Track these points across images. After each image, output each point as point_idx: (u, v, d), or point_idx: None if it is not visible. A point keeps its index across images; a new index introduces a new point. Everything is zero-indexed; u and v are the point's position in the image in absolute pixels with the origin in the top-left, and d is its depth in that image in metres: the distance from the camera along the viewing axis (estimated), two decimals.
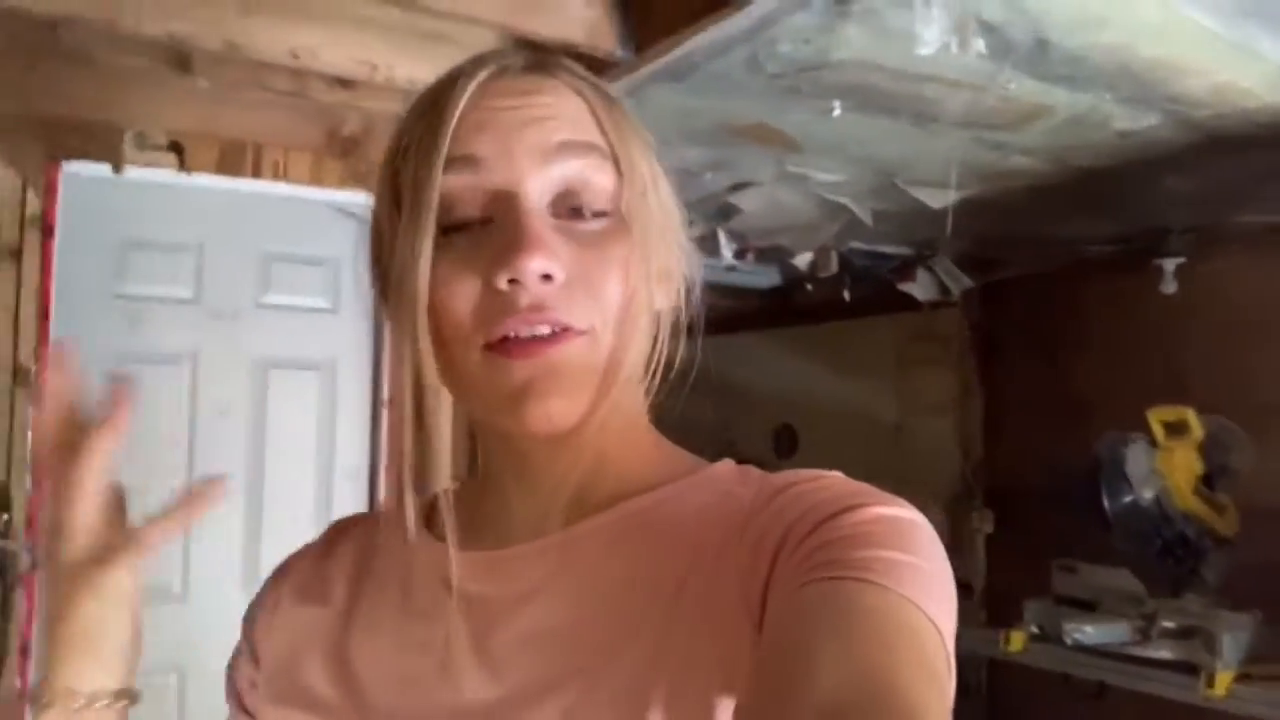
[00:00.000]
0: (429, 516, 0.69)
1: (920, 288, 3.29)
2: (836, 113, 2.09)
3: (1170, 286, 3.08)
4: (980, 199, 2.70)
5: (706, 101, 2.05)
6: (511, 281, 0.57)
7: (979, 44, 1.56)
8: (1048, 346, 3.50)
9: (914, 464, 3.48)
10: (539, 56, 0.64)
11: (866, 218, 2.84)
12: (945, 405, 3.51)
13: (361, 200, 2.61)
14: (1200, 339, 3.06)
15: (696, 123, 2.16)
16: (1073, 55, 1.77)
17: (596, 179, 0.61)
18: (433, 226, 0.59)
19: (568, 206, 0.61)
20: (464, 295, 0.59)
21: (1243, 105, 1.94)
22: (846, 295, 3.46)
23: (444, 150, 0.59)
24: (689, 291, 0.68)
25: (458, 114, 0.60)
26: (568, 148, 0.60)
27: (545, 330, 0.58)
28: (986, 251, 3.34)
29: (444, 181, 0.59)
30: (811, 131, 2.25)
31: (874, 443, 3.61)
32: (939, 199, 2.62)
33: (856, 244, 3.19)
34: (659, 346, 0.64)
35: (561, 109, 0.62)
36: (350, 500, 2.58)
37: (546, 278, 0.58)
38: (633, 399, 0.65)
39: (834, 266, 3.29)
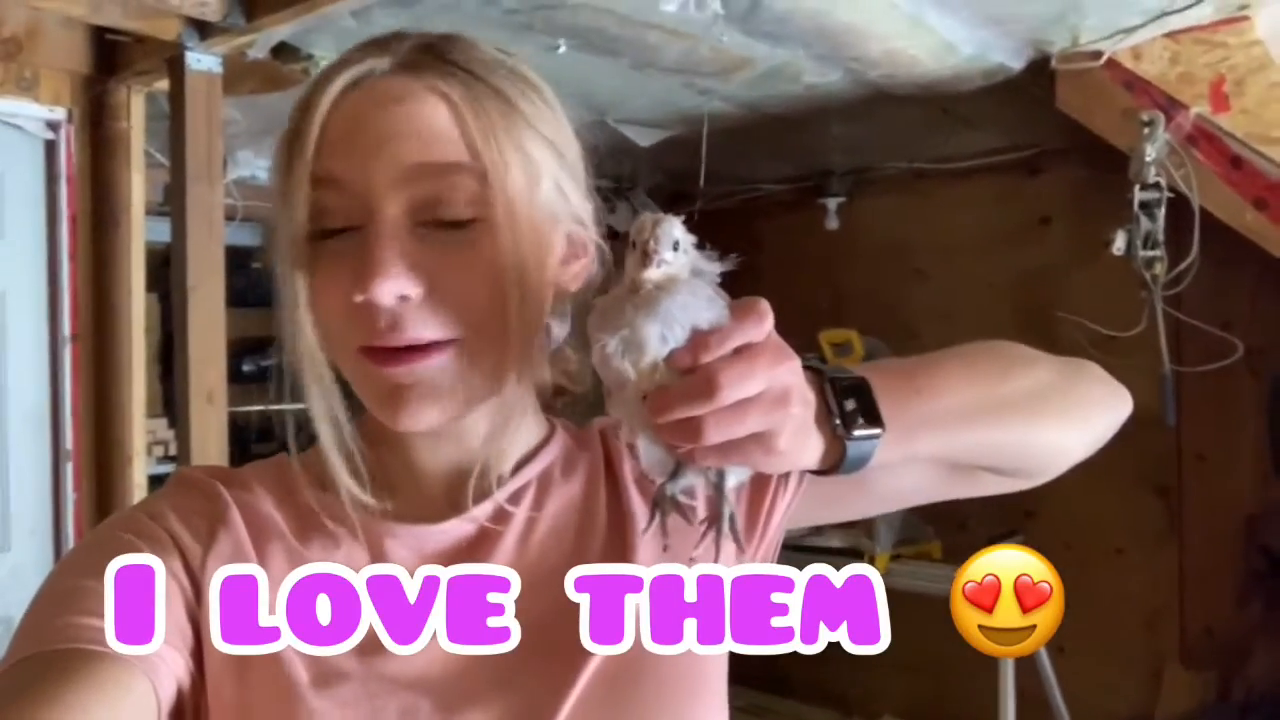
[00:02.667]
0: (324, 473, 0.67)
1: (619, 219, 3.46)
2: (562, 50, 2.16)
3: (833, 223, 3.48)
4: (679, 139, 2.89)
5: (435, 29, 2.04)
6: (367, 299, 0.59)
7: (715, 3, 1.69)
8: (727, 275, 3.82)
9: None
10: (412, 53, 0.62)
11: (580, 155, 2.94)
12: None
13: (29, 111, 2.32)
14: (857, 270, 3.49)
15: None
16: (780, 15, 1.96)
17: (457, 193, 0.60)
18: (304, 241, 0.61)
19: (431, 217, 0.60)
20: (334, 302, 0.61)
21: (909, 69, 2.24)
22: None
23: (307, 168, 0.60)
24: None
25: (317, 129, 0.60)
26: (424, 170, 0.60)
27: (402, 344, 0.60)
28: (678, 186, 3.58)
29: (312, 197, 0.60)
30: (535, 67, 2.29)
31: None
32: (646, 137, 2.77)
33: None
34: (567, 326, 0.68)
35: (423, 123, 0.60)
36: (31, 446, 2.33)
37: (402, 298, 0.59)
38: (528, 379, 0.67)
39: None
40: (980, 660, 3.09)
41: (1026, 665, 2.67)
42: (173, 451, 3.16)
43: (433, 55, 0.63)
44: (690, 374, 0.52)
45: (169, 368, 3.38)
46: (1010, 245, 3.20)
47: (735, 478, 0.59)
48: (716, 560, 0.58)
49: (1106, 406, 0.75)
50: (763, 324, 0.53)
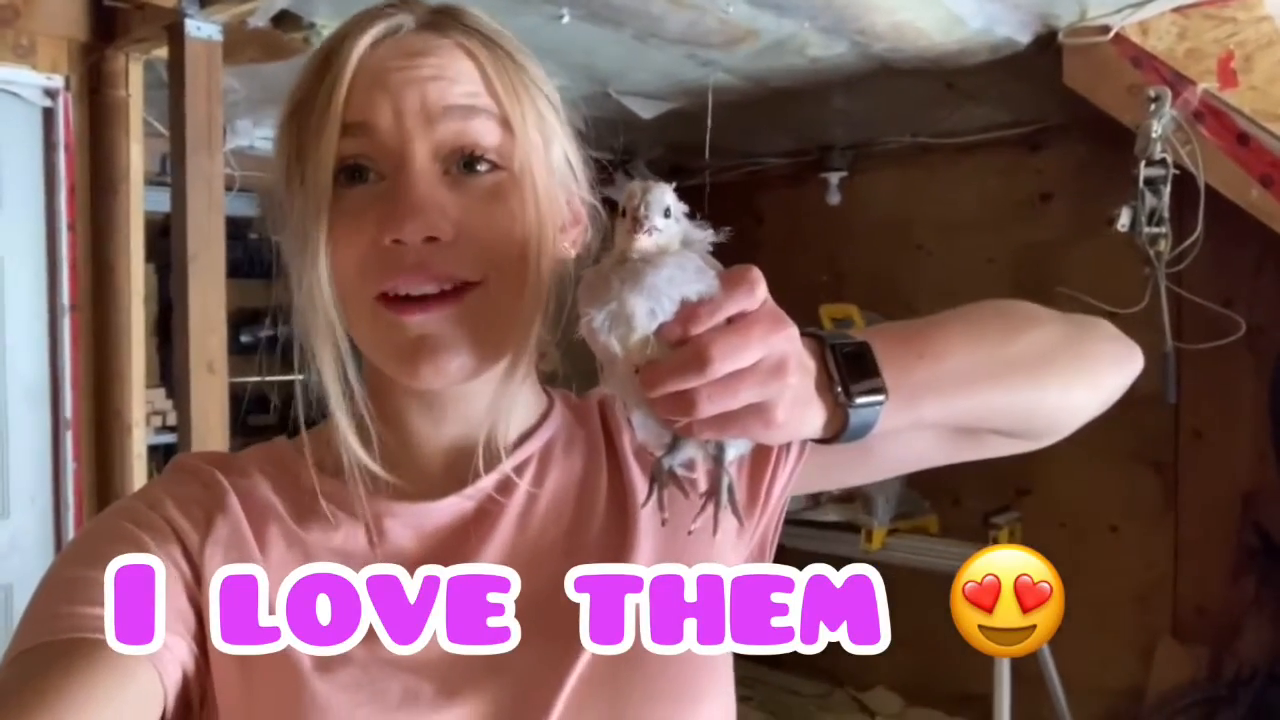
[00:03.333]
0: (324, 456, 0.67)
1: (618, 191, 3.44)
2: (565, 20, 2.14)
3: (835, 198, 3.47)
4: (681, 111, 2.87)
5: None
6: (396, 241, 0.59)
7: None
8: (727, 249, 3.80)
9: None
10: (432, 14, 0.64)
11: (579, 123, 2.92)
12: None
13: (27, 78, 2.29)
14: (858, 245, 3.49)
15: None
16: None
17: (484, 138, 0.62)
18: (328, 185, 0.60)
19: (459, 162, 0.61)
20: (356, 250, 0.60)
21: (915, 42, 2.22)
22: None
23: (337, 115, 0.60)
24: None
25: (348, 77, 0.60)
26: (453, 111, 0.61)
27: (433, 288, 0.60)
28: (679, 159, 3.57)
29: (339, 146, 0.60)
30: (538, 36, 2.28)
31: (574, 342, 3.77)
32: (648, 109, 2.76)
33: None
34: (568, 293, 0.66)
35: (450, 70, 0.62)
36: (31, 415, 2.32)
37: (430, 239, 0.59)
38: (530, 346, 0.67)
39: None
40: None
41: None
42: (171, 422, 3.15)
43: (451, 17, 0.64)
44: (681, 346, 0.51)
45: (166, 338, 3.37)
46: (1012, 221, 3.20)
47: (735, 450, 0.58)
48: (715, 534, 0.58)
49: (1117, 363, 0.73)
50: (754, 292, 0.52)
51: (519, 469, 0.68)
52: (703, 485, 0.59)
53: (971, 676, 2.94)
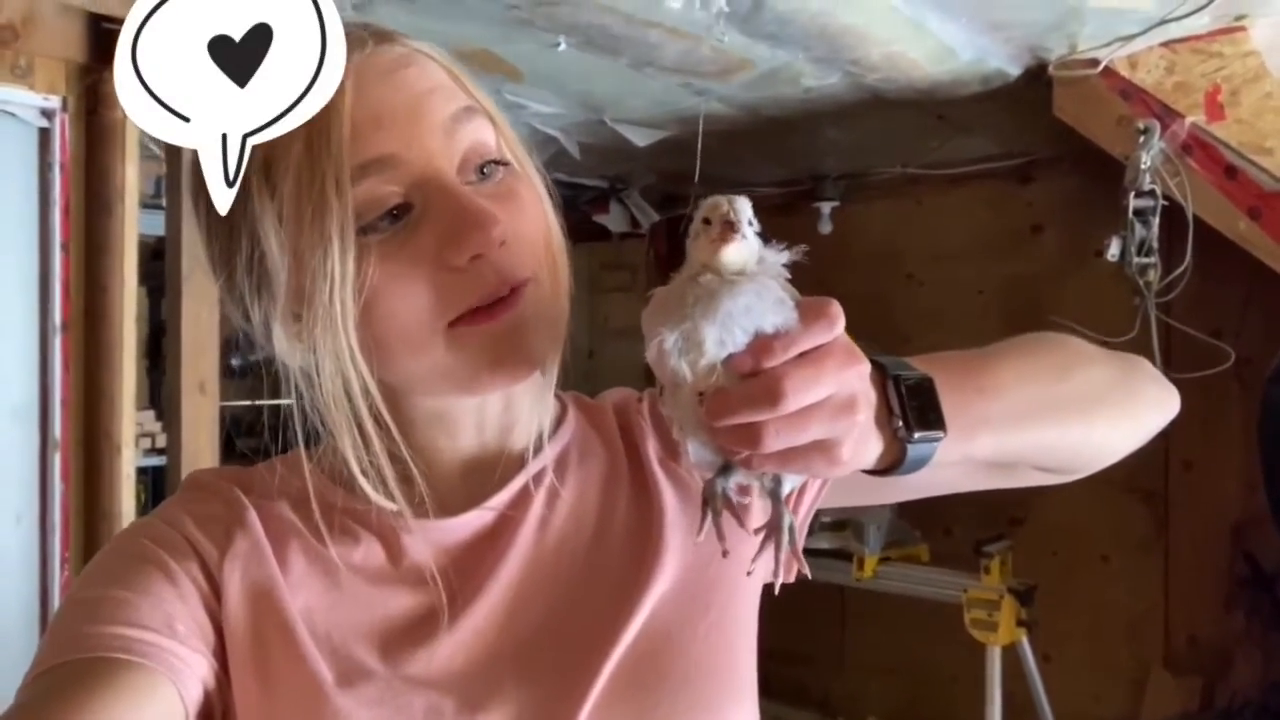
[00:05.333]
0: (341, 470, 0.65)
1: (613, 219, 3.47)
2: (562, 48, 2.16)
3: (826, 227, 3.49)
4: (673, 140, 2.89)
5: (436, 24, 2.04)
6: (475, 257, 0.57)
7: (720, 1, 1.69)
8: None
9: (605, 386, 3.69)
10: (373, 35, 0.61)
11: (574, 150, 2.94)
12: (632, 330, 3.74)
13: (24, 99, 2.30)
14: (849, 275, 3.50)
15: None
16: (782, 16, 1.97)
17: (485, 137, 0.61)
18: (353, 242, 0.56)
19: (473, 169, 0.60)
20: (417, 288, 0.57)
21: (908, 72, 2.25)
22: None
23: (346, 164, 0.56)
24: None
25: (345, 124, 0.56)
26: (459, 116, 0.60)
27: (505, 291, 0.59)
28: (671, 188, 3.59)
29: (359, 189, 0.56)
30: (534, 63, 2.30)
31: (568, 367, 3.77)
32: (643, 137, 2.78)
33: (559, 175, 3.29)
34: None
35: (433, 79, 0.60)
36: (19, 435, 2.31)
37: (500, 243, 0.58)
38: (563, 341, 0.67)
39: None
40: (966, 664, 3.09)
41: (1012, 670, 2.69)
42: (160, 444, 3.13)
43: (390, 32, 0.63)
44: (751, 377, 0.49)
45: (156, 361, 3.36)
46: (1002, 252, 3.22)
47: (790, 483, 0.57)
48: (778, 577, 0.55)
49: (1159, 406, 0.74)
50: (832, 327, 0.50)
51: (537, 479, 0.66)
52: (758, 519, 0.58)
53: (963, 706, 2.93)
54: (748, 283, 0.51)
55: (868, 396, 0.53)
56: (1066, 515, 3.07)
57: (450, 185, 0.58)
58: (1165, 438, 0.73)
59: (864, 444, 0.53)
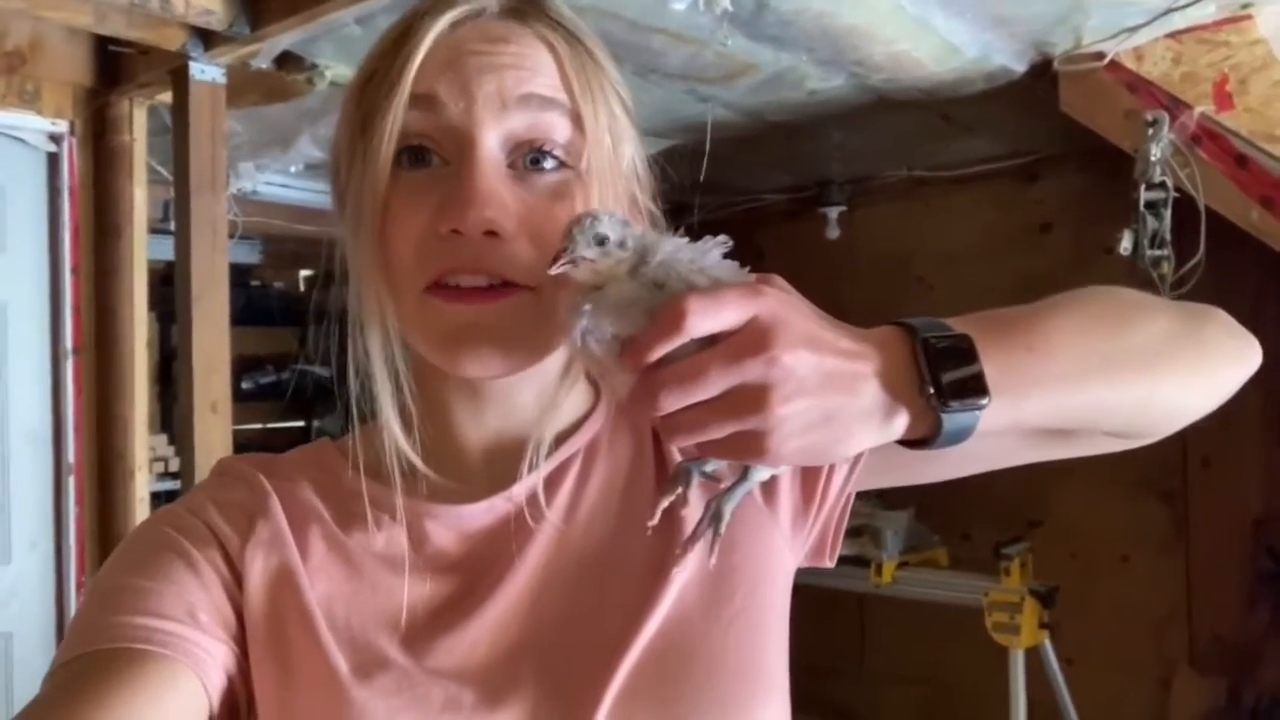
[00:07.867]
0: (367, 457, 0.66)
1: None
2: None
3: (834, 232, 3.49)
4: (679, 148, 2.89)
5: None
6: (454, 231, 0.57)
7: (725, 2, 1.69)
8: None
9: None
10: (516, 1, 0.63)
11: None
12: None
13: (32, 124, 2.31)
14: (859, 279, 3.49)
15: None
16: (785, 18, 1.96)
17: (556, 133, 0.60)
18: (389, 162, 0.59)
19: (526, 156, 0.60)
20: (410, 235, 0.59)
21: (912, 72, 2.24)
22: None
23: (406, 86, 0.58)
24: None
25: (423, 51, 0.59)
26: (528, 100, 0.59)
27: (484, 281, 0.58)
28: (677, 196, 3.58)
29: (404, 119, 0.58)
30: None
31: None
32: (648, 146, 2.76)
33: None
34: None
35: (528, 60, 0.60)
36: (33, 459, 2.31)
37: (490, 233, 0.57)
38: None
39: None
40: (988, 670, 3.05)
41: (1036, 675, 2.66)
42: (173, 468, 3.13)
43: (535, 6, 0.63)
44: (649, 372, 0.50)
45: (167, 386, 3.36)
46: (1012, 251, 3.21)
47: (759, 474, 0.56)
48: (712, 559, 0.57)
49: (1236, 358, 0.66)
50: (673, 334, 0.48)
51: (563, 467, 0.66)
52: (700, 510, 0.58)
53: (986, 711, 2.89)
54: (616, 287, 0.52)
55: (804, 385, 0.49)
56: (1085, 516, 3.04)
57: (474, 153, 0.58)
58: (1182, 435, 0.67)
59: (831, 431, 0.50)
